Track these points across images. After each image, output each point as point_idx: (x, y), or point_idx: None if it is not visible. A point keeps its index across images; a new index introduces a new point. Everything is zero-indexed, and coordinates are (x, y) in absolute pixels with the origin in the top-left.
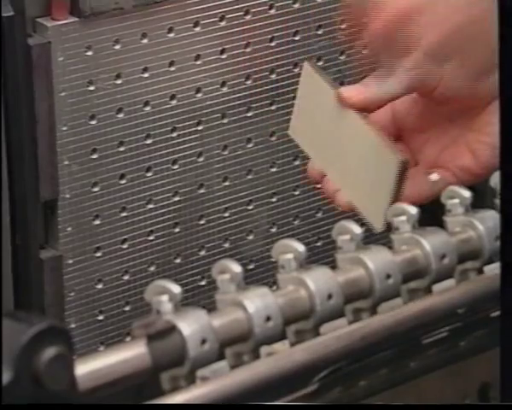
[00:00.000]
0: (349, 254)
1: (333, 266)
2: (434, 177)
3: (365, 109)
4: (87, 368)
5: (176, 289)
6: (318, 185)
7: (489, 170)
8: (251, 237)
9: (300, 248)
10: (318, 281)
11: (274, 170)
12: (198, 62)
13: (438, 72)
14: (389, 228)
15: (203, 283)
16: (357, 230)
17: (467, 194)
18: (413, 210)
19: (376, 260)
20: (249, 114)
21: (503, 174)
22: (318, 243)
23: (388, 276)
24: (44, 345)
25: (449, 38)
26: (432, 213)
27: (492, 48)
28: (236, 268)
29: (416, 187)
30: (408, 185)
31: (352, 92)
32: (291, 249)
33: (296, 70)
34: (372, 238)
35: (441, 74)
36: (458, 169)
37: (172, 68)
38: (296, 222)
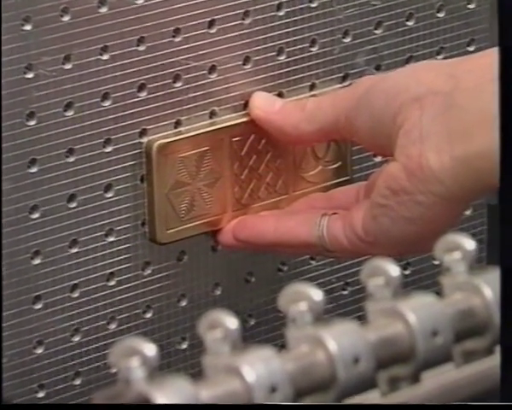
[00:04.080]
0: (383, 303)
1: (362, 319)
2: (323, 219)
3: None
4: None
5: (150, 350)
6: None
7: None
8: (252, 281)
9: (317, 295)
10: (341, 339)
11: None
12: (176, 40)
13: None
14: (437, 268)
15: (184, 346)
16: (393, 271)
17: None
18: (470, 244)
19: (420, 311)
20: None
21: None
22: (343, 290)
23: (436, 333)
24: None
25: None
26: None
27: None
28: (231, 323)
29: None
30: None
31: (261, 103)
32: (305, 297)
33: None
34: (415, 282)
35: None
36: (348, 225)
37: (142, 48)
38: (313, 261)
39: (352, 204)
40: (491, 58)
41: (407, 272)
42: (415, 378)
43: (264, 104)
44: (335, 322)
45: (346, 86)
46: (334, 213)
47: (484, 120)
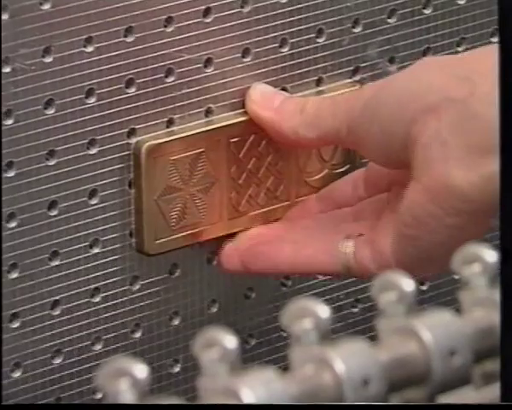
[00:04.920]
0: (396, 320)
1: (372, 337)
2: (347, 246)
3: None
4: None
5: (140, 371)
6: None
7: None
8: (252, 297)
9: (324, 312)
10: (350, 360)
11: None
12: (168, 30)
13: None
14: (457, 283)
15: (177, 369)
16: (407, 285)
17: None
18: (491, 256)
19: (436, 329)
20: None
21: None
22: (353, 307)
23: (453, 352)
24: None
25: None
26: None
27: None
28: (229, 341)
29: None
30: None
31: (259, 97)
32: (310, 314)
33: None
34: (432, 299)
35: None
36: (375, 251)
37: (131, 39)
38: (320, 276)
39: (349, 200)
40: None
41: (424, 288)
42: (430, 402)
43: (262, 99)
44: (343, 341)
45: (356, 83)
46: (360, 235)
47: None
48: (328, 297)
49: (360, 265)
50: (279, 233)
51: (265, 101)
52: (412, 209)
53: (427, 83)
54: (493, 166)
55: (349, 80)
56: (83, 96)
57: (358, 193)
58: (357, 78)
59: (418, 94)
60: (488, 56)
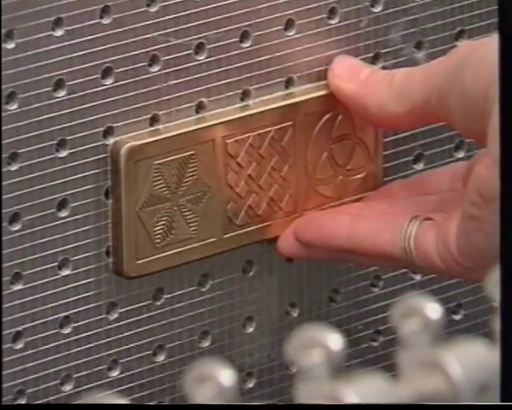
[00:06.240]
0: (420, 351)
1: (393, 371)
2: (412, 225)
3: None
4: None
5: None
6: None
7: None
8: (252, 328)
9: (336, 342)
10: (366, 398)
11: None
12: (152, 10)
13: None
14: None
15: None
16: (433, 311)
17: None
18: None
19: (465, 360)
20: None
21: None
22: (372, 340)
23: (485, 389)
24: None
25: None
26: None
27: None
28: (226, 379)
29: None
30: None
31: (344, 70)
32: (320, 344)
33: None
34: (469, 330)
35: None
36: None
37: (107, 21)
38: (333, 303)
39: (443, 192)
40: None
41: (458, 317)
42: None
43: (346, 72)
44: (358, 376)
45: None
46: (428, 219)
47: None
48: (344, 328)
49: (421, 250)
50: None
51: (350, 73)
52: (478, 186)
53: None
54: None
55: None
56: (50, 88)
57: (455, 186)
58: (378, 66)
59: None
60: None
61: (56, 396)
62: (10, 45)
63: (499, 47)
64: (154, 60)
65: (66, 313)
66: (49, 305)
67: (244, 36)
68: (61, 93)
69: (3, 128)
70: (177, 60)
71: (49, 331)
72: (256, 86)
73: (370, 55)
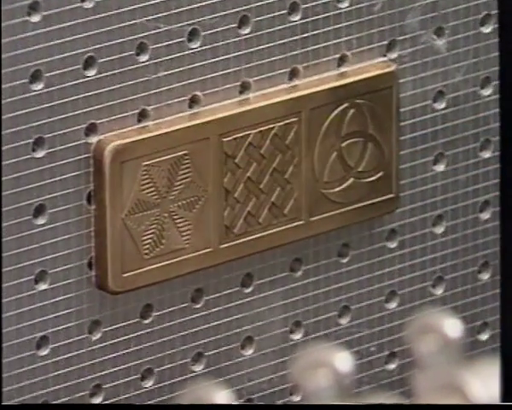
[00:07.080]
0: (437, 372)
1: (408, 393)
2: None
3: None
4: None
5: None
6: None
7: None
8: (251, 349)
9: (344, 364)
10: None
11: None
12: None
13: None
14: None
15: None
16: (453, 329)
17: None
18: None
19: (486, 383)
20: None
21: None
22: (387, 363)
23: None
24: None
25: None
26: None
27: None
28: (223, 401)
29: None
30: None
31: None
32: (327, 365)
33: None
34: (496, 351)
35: None
36: None
37: (90, 5)
38: (348, 314)
39: None
40: None
41: (484, 337)
42: None
43: None
44: (368, 398)
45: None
46: None
47: None
48: (355, 349)
49: None
50: None
51: None
52: None
53: None
54: None
55: (382, 59)
56: (26, 80)
57: None
58: (393, 55)
59: None
60: None
61: None
62: None
63: (499, 54)
64: (142, 48)
65: (43, 333)
66: (25, 323)
67: (243, 21)
68: (39, 86)
69: None
70: (168, 48)
71: (25, 353)
72: (256, 78)
73: (385, 42)
